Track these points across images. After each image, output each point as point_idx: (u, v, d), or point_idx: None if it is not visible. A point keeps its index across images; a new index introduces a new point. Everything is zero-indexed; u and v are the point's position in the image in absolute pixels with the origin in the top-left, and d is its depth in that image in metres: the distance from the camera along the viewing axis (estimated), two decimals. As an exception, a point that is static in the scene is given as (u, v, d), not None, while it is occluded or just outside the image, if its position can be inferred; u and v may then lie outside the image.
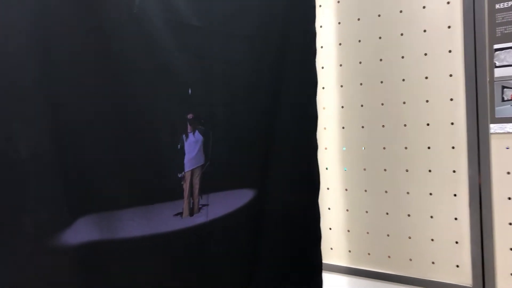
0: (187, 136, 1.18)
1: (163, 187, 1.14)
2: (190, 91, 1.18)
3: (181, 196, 1.17)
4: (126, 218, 1.08)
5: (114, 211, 1.06)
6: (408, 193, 1.55)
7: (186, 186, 1.18)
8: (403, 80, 1.54)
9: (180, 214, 1.17)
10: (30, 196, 0.91)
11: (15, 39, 0.89)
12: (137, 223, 1.09)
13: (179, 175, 1.17)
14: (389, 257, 1.59)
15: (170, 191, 1.15)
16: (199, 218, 1.23)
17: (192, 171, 1.20)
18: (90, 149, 1.01)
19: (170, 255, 1.16)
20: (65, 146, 0.97)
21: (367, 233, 1.64)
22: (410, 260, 1.55)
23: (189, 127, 1.19)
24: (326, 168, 1.72)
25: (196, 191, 1.21)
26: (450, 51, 1.46)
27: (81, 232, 1.00)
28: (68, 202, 0.98)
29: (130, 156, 1.08)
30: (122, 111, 1.06)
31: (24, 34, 0.90)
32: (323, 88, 1.71)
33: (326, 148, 1.72)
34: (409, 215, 1.55)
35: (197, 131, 1.20)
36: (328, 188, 1.72)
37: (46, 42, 0.94)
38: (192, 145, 1.19)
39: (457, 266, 1.47)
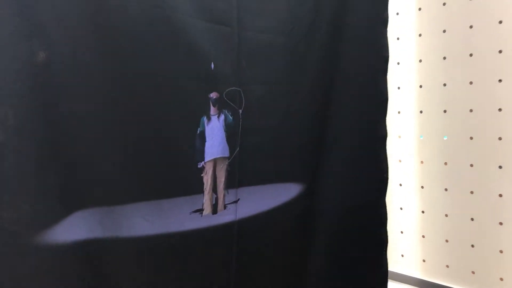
0: (209, 119, 0.99)
1: (177, 179, 0.97)
2: (212, 66, 0.99)
3: (200, 190, 1.00)
4: (133, 213, 0.93)
5: (119, 206, 0.92)
6: (500, 195, 1.24)
7: (207, 178, 1.00)
8: (500, 51, 1.22)
9: (200, 211, 1.00)
10: (10, 185, 0.79)
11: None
12: (146, 220, 0.94)
13: (198, 165, 0.99)
14: (473, 272, 1.31)
15: (186, 184, 0.99)
16: (226, 217, 1.05)
17: (215, 161, 1.01)
18: (90, 132, 0.87)
19: (185, 259, 0.99)
20: (58, 126, 0.83)
21: (446, 241, 1.36)
22: (501, 279, 1.25)
23: (212, 108, 1.00)
24: (400, 161, 1.45)
25: (221, 184, 1.03)
26: None
27: (77, 228, 0.87)
28: (61, 193, 0.85)
29: (138, 140, 0.93)
30: (130, 88, 0.90)
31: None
32: (398, 63, 1.44)
33: (399, 137, 1.46)
34: (501, 224, 1.24)
35: (222, 114, 1.01)
36: (400, 185, 1.46)
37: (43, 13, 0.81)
38: (216, 130, 1.01)
39: None
